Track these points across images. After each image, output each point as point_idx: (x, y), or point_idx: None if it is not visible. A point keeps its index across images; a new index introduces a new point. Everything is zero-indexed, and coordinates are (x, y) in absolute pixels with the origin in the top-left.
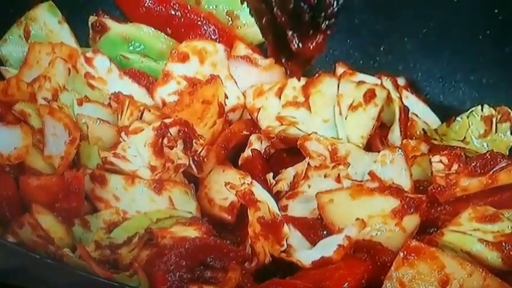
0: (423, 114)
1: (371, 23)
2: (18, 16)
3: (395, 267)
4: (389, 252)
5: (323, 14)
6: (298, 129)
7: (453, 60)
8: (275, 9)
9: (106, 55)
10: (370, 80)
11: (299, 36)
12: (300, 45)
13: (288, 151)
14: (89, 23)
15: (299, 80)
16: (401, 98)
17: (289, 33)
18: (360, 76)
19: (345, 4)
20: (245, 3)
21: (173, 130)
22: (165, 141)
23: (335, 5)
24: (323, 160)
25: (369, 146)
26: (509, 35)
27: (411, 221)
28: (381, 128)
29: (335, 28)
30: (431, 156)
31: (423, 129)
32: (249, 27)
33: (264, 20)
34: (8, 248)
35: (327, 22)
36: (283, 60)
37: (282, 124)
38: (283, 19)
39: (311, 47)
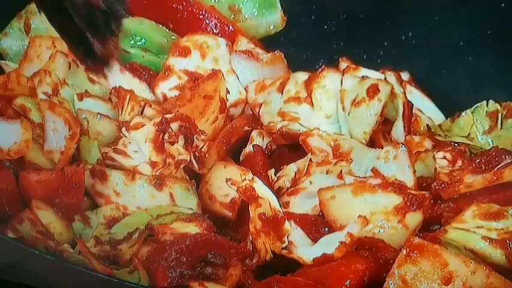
0: (428, 110)
1: (374, 17)
2: (18, 9)
3: (398, 265)
4: (391, 249)
5: (113, 19)
6: (301, 124)
7: (458, 55)
8: (76, 19)
9: None
10: (374, 74)
11: (98, 39)
12: (101, 47)
13: (290, 147)
14: None
15: (105, 78)
16: (405, 93)
17: (90, 37)
18: (364, 71)
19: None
20: None
21: (174, 125)
22: (166, 136)
23: (120, 10)
24: (325, 156)
25: (372, 142)
26: None
27: (414, 218)
28: (385, 124)
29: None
30: (435, 152)
31: (427, 125)
32: (251, 21)
33: (70, 29)
34: (8, 244)
35: (118, 26)
36: (89, 63)
37: (284, 120)
38: (83, 26)
39: (111, 48)
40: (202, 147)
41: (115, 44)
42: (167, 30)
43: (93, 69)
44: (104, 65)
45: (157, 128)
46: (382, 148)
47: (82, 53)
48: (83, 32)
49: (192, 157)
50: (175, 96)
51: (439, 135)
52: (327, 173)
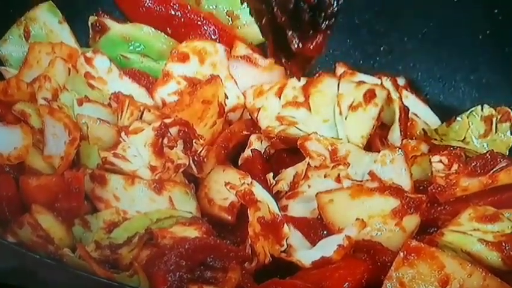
0: (424, 114)
1: (371, 22)
2: (18, 16)
3: (395, 267)
4: (389, 252)
5: (322, 14)
6: (298, 129)
7: (453, 60)
8: (275, 9)
9: (106, 55)
10: (370, 80)
11: (299, 36)
12: (300, 45)
13: (288, 151)
14: (89, 23)
15: (299, 80)
16: (401, 98)
17: (289, 33)
18: (360, 76)
19: (345, 4)
20: (245, 3)
21: (173, 130)
22: (165, 141)
23: (334, 5)
24: (323, 160)
25: (369, 146)
26: (509, 35)
27: (411, 221)
28: (381, 128)
29: (334, 28)
30: (431, 156)
31: (423, 129)
32: (249, 27)
33: (264, 20)
34: (8, 248)
35: (326, 22)
36: (283, 61)
37: (282, 124)
38: (283, 19)
39: (311, 47)
40: (200, 151)
41: (318, 44)
42: (165, 36)
43: (288, 67)
44: (300, 64)
45: (156, 132)
46: (379, 152)
47: (276, 48)
48: (279, 25)
49: (191, 161)
50: (174, 101)
51: (435, 139)
52: (325, 176)
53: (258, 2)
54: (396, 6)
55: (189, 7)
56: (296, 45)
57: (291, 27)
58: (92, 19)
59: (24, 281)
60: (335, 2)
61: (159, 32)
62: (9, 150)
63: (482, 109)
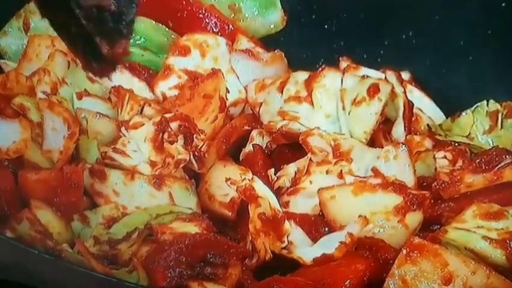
0: (428, 109)
1: (375, 17)
2: (17, 8)
3: (398, 265)
4: (391, 249)
5: (123, 21)
6: (301, 124)
7: (458, 54)
8: (82, 20)
9: None
10: (374, 74)
11: (107, 41)
12: (109, 50)
13: (290, 146)
14: None
15: (110, 79)
16: (405, 93)
17: (98, 39)
18: (364, 70)
19: None
20: None
21: (173, 125)
22: (165, 136)
23: (131, 13)
24: (325, 156)
25: (373, 142)
26: None
27: (414, 218)
28: (385, 123)
29: (133, 33)
30: (435, 152)
31: (427, 125)
32: (251, 20)
33: (72, 31)
34: (6, 243)
35: (128, 28)
36: (94, 66)
37: (284, 119)
38: (90, 27)
39: (120, 51)
40: (201, 146)
41: (125, 48)
42: (167, 29)
43: (98, 72)
44: (110, 67)
45: (156, 127)
46: (382, 148)
47: (86, 54)
48: (87, 33)
49: (192, 156)
50: (175, 95)
51: (439, 134)
52: (327, 172)
53: (63, 15)
54: (401, 1)
55: (191, 0)
56: (106, 50)
57: (99, 34)
58: None
59: (23, 276)
60: (131, 11)
61: (160, 25)
62: (8, 144)
63: (487, 104)
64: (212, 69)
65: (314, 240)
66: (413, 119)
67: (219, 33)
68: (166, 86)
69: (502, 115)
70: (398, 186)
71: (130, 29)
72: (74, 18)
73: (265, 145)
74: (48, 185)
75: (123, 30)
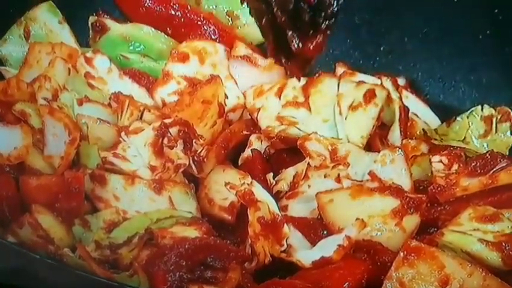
0: (424, 114)
1: (371, 22)
2: (18, 16)
3: (395, 267)
4: (389, 252)
5: (322, 14)
6: (298, 129)
7: (453, 60)
8: (275, 9)
9: (106, 55)
10: (370, 80)
11: (299, 36)
12: (300, 45)
13: (288, 151)
14: (89, 23)
15: (299, 80)
16: (401, 98)
17: (289, 33)
18: (360, 76)
19: (345, 4)
20: (245, 3)
21: (173, 130)
22: (165, 141)
23: (334, 5)
24: (323, 160)
25: (369, 146)
26: (509, 35)
27: (411, 221)
28: (381, 128)
29: (334, 28)
30: (431, 156)
31: (423, 129)
32: (249, 27)
33: (264, 20)
34: (8, 248)
35: (326, 22)
36: (283, 61)
37: (282, 124)
38: (283, 19)
39: (311, 47)
40: (200, 151)
41: (319, 45)
42: (165, 36)
43: (287, 68)
44: (300, 65)
45: (156, 132)
46: (379, 152)
47: (276, 49)
48: (279, 26)
49: (191, 161)
50: (174, 101)
51: (435, 139)
52: (325, 176)
53: (258, 2)
54: (396, 6)
55: (189, 7)
56: (296, 45)
57: (291, 27)
58: (92, 19)
59: (25, 281)
60: (335, 2)
61: (159, 32)
62: (9, 150)
63: (482, 109)
64: (211, 75)
65: (313, 243)
66: (408, 123)
67: (218, 40)
68: (166, 92)
69: (496, 119)
70: (395, 190)
71: (330, 23)
72: (269, 6)
73: (263, 150)
74: (49, 190)
75: (321, 25)
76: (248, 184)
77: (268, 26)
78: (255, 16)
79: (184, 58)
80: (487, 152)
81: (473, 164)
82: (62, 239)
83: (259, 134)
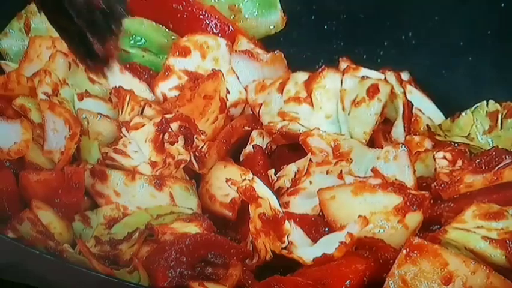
0: (428, 110)
1: (375, 17)
2: (18, 9)
3: (398, 265)
4: (391, 249)
5: (112, 18)
6: (301, 124)
7: (458, 55)
8: (75, 19)
9: None
10: (374, 75)
11: (98, 38)
12: (101, 47)
13: (290, 147)
14: None
15: (105, 78)
16: (404, 93)
17: (90, 37)
18: (364, 71)
19: None
20: None
21: (174, 125)
22: (166, 136)
23: (120, 8)
24: (325, 156)
25: (372, 142)
26: None
27: (414, 218)
28: (385, 124)
29: (122, 30)
30: (435, 152)
31: (427, 125)
32: (251, 21)
33: (68, 29)
34: (8, 244)
35: (117, 24)
36: (90, 63)
37: (284, 120)
38: (83, 25)
39: (111, 48)
40: (202, 147)
41: (115, 44)
42: (167, 30)
43: (93, 69)
44: (104, 65)
45: (157, 128)
46: (382, 148)
47: (81, 52)
48: (83, 32)
49: (192, 157)
50: (175, 96)
51: (439, 135)
52: (327, 173)
53: (60, 14)
54: (400, 1)
55: (191, 1)
56: (98, 47)
57: (91, 31)
58: None
59: (24, 276)
60: (120, 7)
61: (160, 26)
62: (9, 145)
63: (487, 105)
64: (212, 70)
65: (314, 240)
66: (412, 119)
67: (219, 34)
68: (167, 87)
69: (501, 115)
70: (397, 187)
71: (119, 25)
72: (68, 16)
73: (265, 146)
74: (49, 186)
75: (112, 27)
76: (249, 180)
77: (73, 34)
78: (60, 32)
79: (185, 52)
80: (492, 148)
81: (477, 161)
82: (62, 234)
83: (260, 130)
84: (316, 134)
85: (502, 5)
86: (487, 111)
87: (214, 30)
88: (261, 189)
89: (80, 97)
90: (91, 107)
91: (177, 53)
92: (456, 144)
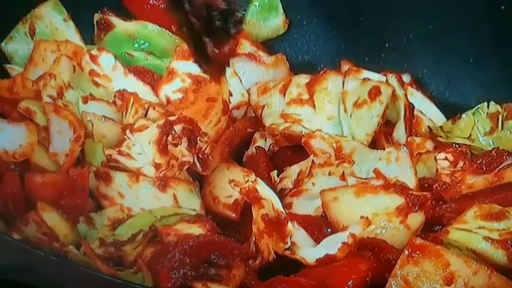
0: (429, 112)
1: (375, 19)
2: (23, 14)
3: (400, 265)
4: (393, 250)
5: (231, 20)
6: (303, 126)
7: (459, 57)
8: (192, 18)
9: (111, 53)
10: (375, 77)
11: (214, 41)
12: (216, 50)
13: (292, 148)
14: (94, 21)
15: (218, 83)
16: (406, 95)
17: (205, 39)
18: (365, 73)
19: (350, 1)
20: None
21: (177, 128)
22: (170, 138)
23: (240, 12)
24: (328, 158)
25: (374, 144)
26: None
27: (416, 219)
28: (386, 125)
29: (241, 33)
30: (436, 153)
31: (428, 127)
32: (254, 25)
33: (184, 28)
34: (13, 245)
35: (236, 27)
36: (203, 66)
37: (286, 121)
38: (199, 26)
39: (226, 52)
40: (205, 149)
41: (232, 49)
42: (170, 33)
43: (208, 72)
44: (218, 69)
45: (160, 130)
46: (384, 149)
47: (197, 54)
48: (197, 32)
49: (195, 159)
50: (179, 98)
51: (440, 136)
52: (329, 174)
53: (178, 13)
54: (401, 3)
55: None
56: (212, 50)
57: (206, 33)
58: (97, 17)
59: (29, 277)
60: (241, 9)
61: (164, 29)
62: (14, 147)
63: (488, 106)
64: None
65: (317, 241)
66: (414, 121)
67: None
68: (170, 90)
69: (502, 116)
70: (399, 188)
71: (238, 28)
72: (186, 16)
73: (268, 147)
74: (54, 188)
75: (230, 30)
76: (252, 181)
77: (188, 33)
78: (178, 26)
79: (188, 56)
80: (493, 149)
81: (478, 162)
82: (67, 236)
83: (263, 132)
84: (318, 136)
85: (503, 7)
86: (487, 113)
87: None
88: (264, 190)
89: (85, 100)
90: (95, 110)
91: (180, 56)
92: (457, 146)
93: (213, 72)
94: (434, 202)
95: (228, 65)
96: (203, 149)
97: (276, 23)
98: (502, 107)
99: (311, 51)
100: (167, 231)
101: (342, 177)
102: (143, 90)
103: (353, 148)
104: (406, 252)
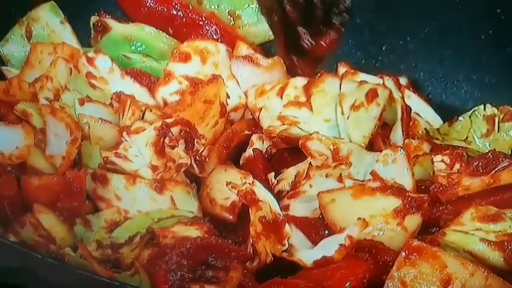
0: (426, 114)
1: (372, 22)
2: (20, 16)
3: (397, 267)
4: (390, 251)
5: (335, 10)
6: (300, 128)
7: (455, 60)
8: (286, 6)
9: (108, 55)
10: (372, 79)
11: (311, 33)
12: (313, 42)
13: (290, 151)
14: (91, 23)
15: (309, 76)
16: (403, 98)
17: (301, 30)
18: (362, 76)
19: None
20: (255, 2)
21: (174, 130)
22: (167, 140)
23: (347, 0)
24: (325, 160)
25: (371, 146)
26: (511, 34)
27: (413, 221)
28: (383, 128)
29: (347, 24)
30: (433, 155)
31: (425, 129)
32: (251, 27)
33: (275, 17)
34: (9, 248)
35: (340, 18)
36: (294, 60)
37: (283, 124)
38: (294, 15)
39: (324, 44)
40: (202, 151)
41: (331, 42)
42: (167, 36)
43: (297, 67)
44: (311, 63)
45: (157, 132)
46: (381, 152)
47: (286, 45)
48: (292, 22)
49: (193, 161)
50: (176, 101)
51: (437, 138)
52: (326, 176)
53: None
54: (398, 6)
55: (191, 7)
56: (308, 43)
57: (303, 23)
58: (93, 19)
59: (26, 280)
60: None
61: (161, 31)
62: (11, 149)
63: (484, 108)
64: (212, 75)
65: (314, 243)
66: (411, 123)
67: (219, 40)
68: (167, 92)
69: (499, 119)
70: (396, 190)
71: (343, 20)
72: (280, 3)
73: (265, 149)
74: (51, 190)
75: (333, 20)
76: (250, 184)
77: (280, 23)
78: (265, 14)
79: (185, 58)
80: (489, 151)
81: (475, 164)
82: (64, 238)
83: (260, 134)
84: (315, 138)
85: (498, 10)
86: (484, 115)
87: (214, 36)
88: (261, 192)
89: (82, 102)
90: (92, 112)
91: (177, 59)
92: (454, 148)
93: (305, 66)
94: (431, 204)
95: (325, 60)
96: (200, 151)
97: None
98: (498, 110)
99: None
100: (165, 234)
101: (340, 179)
102: (140, 93)
103: (350, 150)
104: (403, 254)
